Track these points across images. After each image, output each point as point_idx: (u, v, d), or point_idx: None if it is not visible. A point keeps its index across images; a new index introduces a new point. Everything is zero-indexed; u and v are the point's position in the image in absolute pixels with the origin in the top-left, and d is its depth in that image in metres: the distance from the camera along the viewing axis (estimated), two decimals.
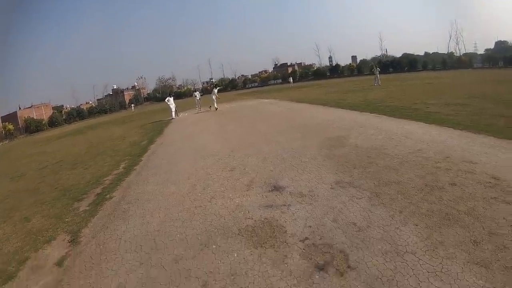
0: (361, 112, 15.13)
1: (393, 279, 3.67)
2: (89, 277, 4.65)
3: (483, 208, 4.83)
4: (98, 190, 8.75)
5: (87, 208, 7.54)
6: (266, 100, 30.08)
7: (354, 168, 7.22)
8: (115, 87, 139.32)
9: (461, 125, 9.92)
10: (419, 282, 3.56)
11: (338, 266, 4.03)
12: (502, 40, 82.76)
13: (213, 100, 27.35)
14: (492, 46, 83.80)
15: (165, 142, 14.88)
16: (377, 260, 4.00)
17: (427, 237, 4.33)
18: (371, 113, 14.48)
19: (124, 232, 5.89)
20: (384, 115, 13.58)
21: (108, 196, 8.10)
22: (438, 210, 4.96)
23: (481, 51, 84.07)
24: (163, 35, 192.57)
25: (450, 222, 4.58)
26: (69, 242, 5.94)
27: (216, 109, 26.64)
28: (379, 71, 34.15)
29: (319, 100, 23.78)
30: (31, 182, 12.11)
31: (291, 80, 73.51)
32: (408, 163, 7.10)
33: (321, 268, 4.05)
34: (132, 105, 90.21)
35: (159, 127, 21.84)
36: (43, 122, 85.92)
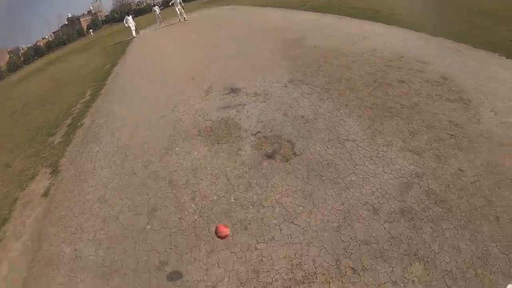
0: (323, 13, 14.69)
1: (332, 163, 4.21)
2: (73, 198, 5.22)
3: (425, 103, 5.15)
4: (69, 121, 9.02)
5: (61, 139, 7.89)
6: (228, 7, 28.72)
7: (309, 67, 7.45)
8: (70, 16, 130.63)
9: (421, 28, 9.82)
10: (355, 165, 4.09)
11: (284, 153, 4.60)
12: None
13: (177, 11, 25.15)
14: None
15: (128, 62, 14.77)
16: (319, 147, 4.53)
17: (368, 127, 4.75)
18: (333, 14, 14.08)
19: (97, 152, 6.37)
20: (347, 16, 13.24)
21: (78, 124, 8.40)
22: (383, 103, 5.31)
23: None
24: None
25: (391, 115, 4.96)
26: (50, 173, 6.42)
27: (182, 19, 24.84)
28: None
29: (282, 3, 22.92)
30: (4, 130, 12.27)
31: None
32: (362, 61, 7.29)
33: (269, 156, 4.62)
34: (91, 30, 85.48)
35: (121, 48, 21.17)
36: (1, 69, 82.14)
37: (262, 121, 5.48)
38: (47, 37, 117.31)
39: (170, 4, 25.81)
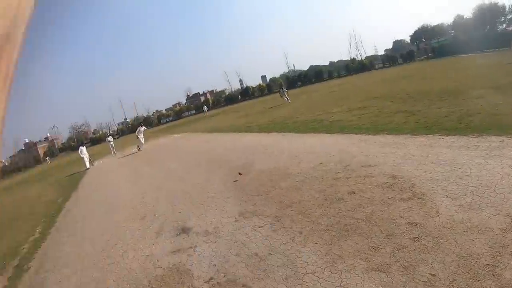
0: (268, 133, 15.90)
1: None
2: None
3: (380, 211, 5.12)
4: (16, 262, 8.46)
5: (7, 284, 7.37)
6: (178, 135, 30.34)
7: (258, 195, 7.56)
8: (27, 141, 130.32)
9: (362, 129, 10.66)
10: None
11: None
12: (399, 39, 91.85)
13: (140, 139, 26.64)
14: (390, 46, 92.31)
15: (80, 197, 14.72)
16: None
17: (326, 253, 4.51)
18: (278, 132, 15.27)
19: None
20: (290, 132, 14.41)
21: (25, 267, 7.94)
22: (337, 222, 5.21)
23: (381, 52, 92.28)
24: (70, 80, 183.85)
25: (348, 233, 4.81)
26: None
27: (139, 149, 26.09)
28: (286, 91, 35.27)
29: (228, 127, 24.61)
30: None
31: (206, 109, 71.41)
32: (310, 179, 7.46)
33: None
34: (47, 158, 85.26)
35: (75, 180, 21.31)
36: None
37: (215, 265, 5.23)
38: (3, 161, 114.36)
39: (136, 132, 27.18)
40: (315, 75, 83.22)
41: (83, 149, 27.16)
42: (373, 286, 3.65)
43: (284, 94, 34.33)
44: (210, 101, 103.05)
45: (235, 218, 6.74)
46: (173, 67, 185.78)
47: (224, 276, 4.85)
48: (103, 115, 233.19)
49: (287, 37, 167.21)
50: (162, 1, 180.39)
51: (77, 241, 8.71)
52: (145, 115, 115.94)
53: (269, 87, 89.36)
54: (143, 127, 27.81)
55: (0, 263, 8.95)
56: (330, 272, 4.11)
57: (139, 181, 13.87)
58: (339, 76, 79.59)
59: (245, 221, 6.42)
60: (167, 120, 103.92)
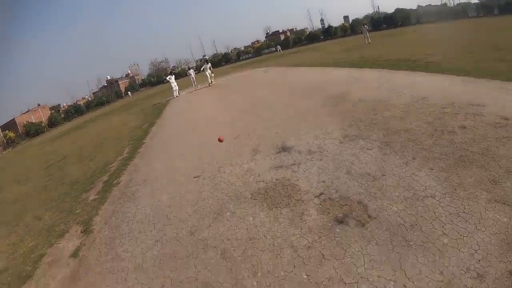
0: (360, 68, 14.86)
1: (416, 224, 3.61)
2: (105, 263, 4.66)
3: (496, 147, 4.77)
4: (105, 177, 8.71)
5: (96, 196, 7.53)
6: (261, 69, 29.53)
7: (360, 121, 7.12)
8: (109, 78, 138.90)
9: (463, 72, 9.66)
10: (443, 224, 3.50)
11: (358, 217, 3.97)
12: None
13: (207, 75, 26.58)
14: None
15: (166, 122, 14.76)
16: (397, 207, 3.94)
17: (445, 179, 4.26)
18: (370, 68, 14.26)
19: (135, 213, 5.87)
20: (384, 68, 13.35)
21: (115, 181, 8.05)
22: (452, 153, 4.88)
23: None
24: (149, 18, 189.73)
25: (465, 164, 4.52)
26: (81, 232, 5.96)
27: (210, 83, 25.99)
28: (367, 29, 32.70)
29: (316, 62, 23.35)
30: (39, 182, 12.16)
31: (279, 48, 71.20)
32: (414, 111, 6.99)
33: (340, 221, 3.98)
34: (129, 92, 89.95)
35: (159, 109, 21.56)
36: (43, 124, 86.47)
37: (324, 181, 4.92)
38: (87, 97, 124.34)
39: (201, 69, 27.49)
40: (401, 19, 75.49)
41: (172, 77, 27.67)
42: (498, 217, 3.45)
43: (365, 33, 32.10)
44: (291, 39, 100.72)
45: (340, 140, 6.38)
46: (253, 3, 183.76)
47: (336, 192, 4.60)
48: (182, 51, 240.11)
49: None
50: None
51: (168, 159, 8.67)
52: (224, 52, 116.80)
53: (352, 28, 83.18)
54: (209, 64, 27.51)
55: (90, 179, 8.85)
56: (451, 198, 3.92)
57: (227, 107, 13.64)
58: (428, 22, 72.05)
59: (351, 143, 6.09)
60: (246, 56, 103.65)
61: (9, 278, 5.43)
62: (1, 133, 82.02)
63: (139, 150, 10.50)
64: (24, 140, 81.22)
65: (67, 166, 12.86)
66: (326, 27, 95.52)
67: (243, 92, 16.65)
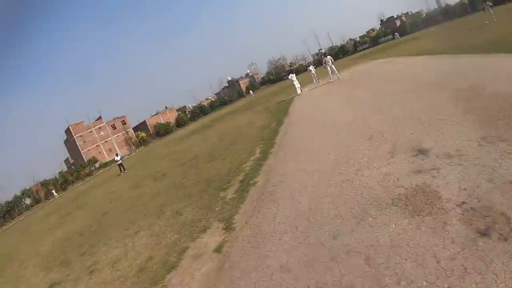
0: (488, 54, 13.37)
1: None
2: (250, 260, 4.95)
3: None
4: (241, 177, 9.25)
5: (234, 195, 8.02)
6: (381, 60, 28.40)
7: (498, 119, 6.43)
8: (229, 79, 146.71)
9: None
10: None
11: (500, 230, 3.65)
12: None
13: (329, 70, 25.84)
14: None
15: (294, 121, 14.99)
16: None
17: None
18: (500, 53, 12.72)
19: (276, 214, 6.11)
20: None
21: (251, 181, 8.47)
22: None
23: None
24: (266, 20, 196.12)
25: None
26: (223, 229, 6.42)
27: (332, 79, 25.50)
28: (490, 6, 29.26)
29: (437, 50, 21.56)
30: (175, 179, 13.40)
31: (398, 36, 68.83)
32: None
33: (483, 233, 3.71)
34: (250, 91, 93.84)
35: (283, 107, 22.10)
36: (171, 125, 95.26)
37: (465, 189, 4.57)
38: (210, 97, 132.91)
39: (323, 63, 26.72)
40: None
41: (293, 75, 28.16)
42: None
43: (489, 10, 28.86)
44: (407, 24, 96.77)
45: (478, 142, 5.80)
46: None
47: (478, 201, 4.21)
48: (298, 47, 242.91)
49: None
50: None
51: (301, 159, 8.78)
52: (339, 44, 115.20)
53: (471, 4, 73.80)
54: (329, 57, 26.48)
55: (225, 178, 9.45)
56: None
57: (354, 104, 13.36)
58: None
59: (491, 146, 5.48)
60: (363, 47, 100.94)
61: (155, 266, 6.18)
62: (134, 133, 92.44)
63: (271, 150, 10.86)
64: (154, 139, 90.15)
65: (200, 164, 13.95)
66: (442, 6, 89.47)
67: (366, 87, 16.15)
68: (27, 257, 12.56)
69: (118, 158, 34.09)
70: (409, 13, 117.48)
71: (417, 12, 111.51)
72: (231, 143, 16.20)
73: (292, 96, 26.15)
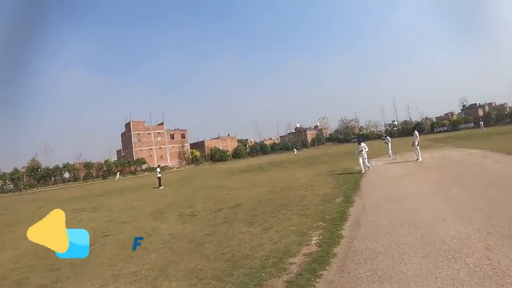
0: None
1: None
2: None
3: None
4: (279, 282, 5.64)
5: None
6: (474, 151, 22.84)
7: None
8: (298, 126, 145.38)
9: None
10: None
11: None
12: None
13: (415, 147, 21.94)
14: None
15: (369, 207, 10.39)
16: None
17: None
18: None
19: None
20: None
21: None
22: None
23: None
24: (347, 77, 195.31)
25: None
26: None
27: (418, 159, 21.50)
28: None
29: None
30: (198, 231, 10.25)
31: (482, 124, 63.45)
32: None
33: None
34: (295, 148, 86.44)
35: (352, 178, 17.65)
36: (227, 153, 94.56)
37: None
38: (273, 138, 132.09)
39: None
40: None
41: (363, 145, 20.75)
42: None
43: None
44: (492, 115, 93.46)
45: None
46: (452, 70, 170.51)
47: None
48: (374, 112, 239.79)
49: None
50: None
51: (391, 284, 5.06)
52: (417, 120, 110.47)
53: None
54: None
55: (256, 271, 6.17)
56: None
57: (455, 206, 9.05)
58: None
59: None
60: (441, 129, 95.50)
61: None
62: (189, 150, 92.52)
63: (334, 250, 6.85)
64: (207, 161, 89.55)
65: (236, 222, 10.68)
66: None
67: (467, 184, 11.52)
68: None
69: (159, 170, 32.70)
70: (493, 104, 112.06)
71: (501, 104, 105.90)
72: (282, 204, 12.74)
73: (359, 170, 20.05)
